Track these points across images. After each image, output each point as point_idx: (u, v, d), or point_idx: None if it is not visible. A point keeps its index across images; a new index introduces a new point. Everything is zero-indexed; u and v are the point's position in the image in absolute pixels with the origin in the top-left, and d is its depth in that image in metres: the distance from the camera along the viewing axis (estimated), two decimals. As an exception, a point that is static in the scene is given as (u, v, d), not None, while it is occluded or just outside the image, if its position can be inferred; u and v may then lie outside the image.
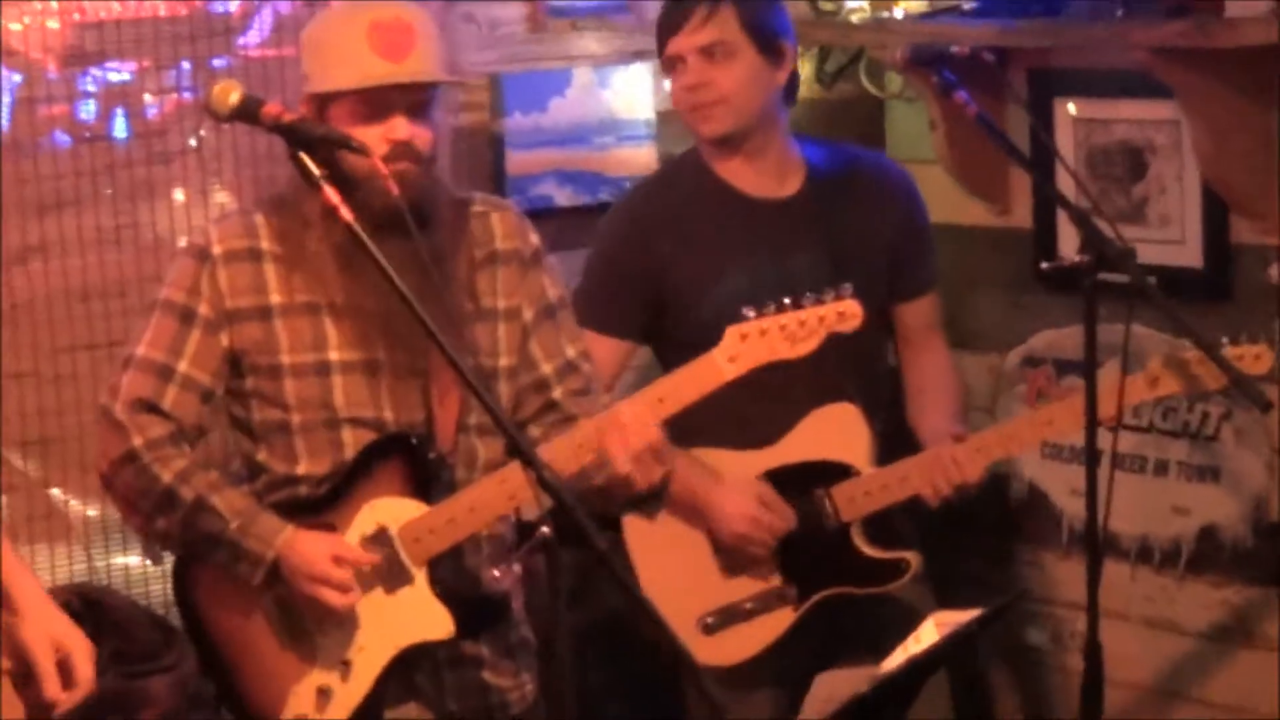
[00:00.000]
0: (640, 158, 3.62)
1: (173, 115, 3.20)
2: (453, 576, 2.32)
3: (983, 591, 2.96)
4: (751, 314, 2.27)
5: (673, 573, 2.82)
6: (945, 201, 3.42)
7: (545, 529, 1.81)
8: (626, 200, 3.12)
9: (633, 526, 2.80)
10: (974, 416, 3.35)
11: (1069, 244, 3.21)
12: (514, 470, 2.23)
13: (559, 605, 2.22)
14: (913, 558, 2.87)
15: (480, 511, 2.29)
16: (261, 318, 2.35)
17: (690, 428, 2.56)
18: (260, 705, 2.34)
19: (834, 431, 2.89)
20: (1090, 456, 2.52)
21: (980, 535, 3.10)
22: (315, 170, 2.00)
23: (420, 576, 2.30)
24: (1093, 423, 2.51)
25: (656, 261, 2.92)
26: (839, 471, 2.87)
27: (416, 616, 2.31)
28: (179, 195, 3.22)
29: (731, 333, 2.27)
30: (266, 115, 2.03)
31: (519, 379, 2.45)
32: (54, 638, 1.92)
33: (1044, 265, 3.07)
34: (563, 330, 2.48)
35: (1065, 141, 3.34)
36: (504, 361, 2.43)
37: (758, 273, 2.87)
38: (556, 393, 2.45)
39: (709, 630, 2.83)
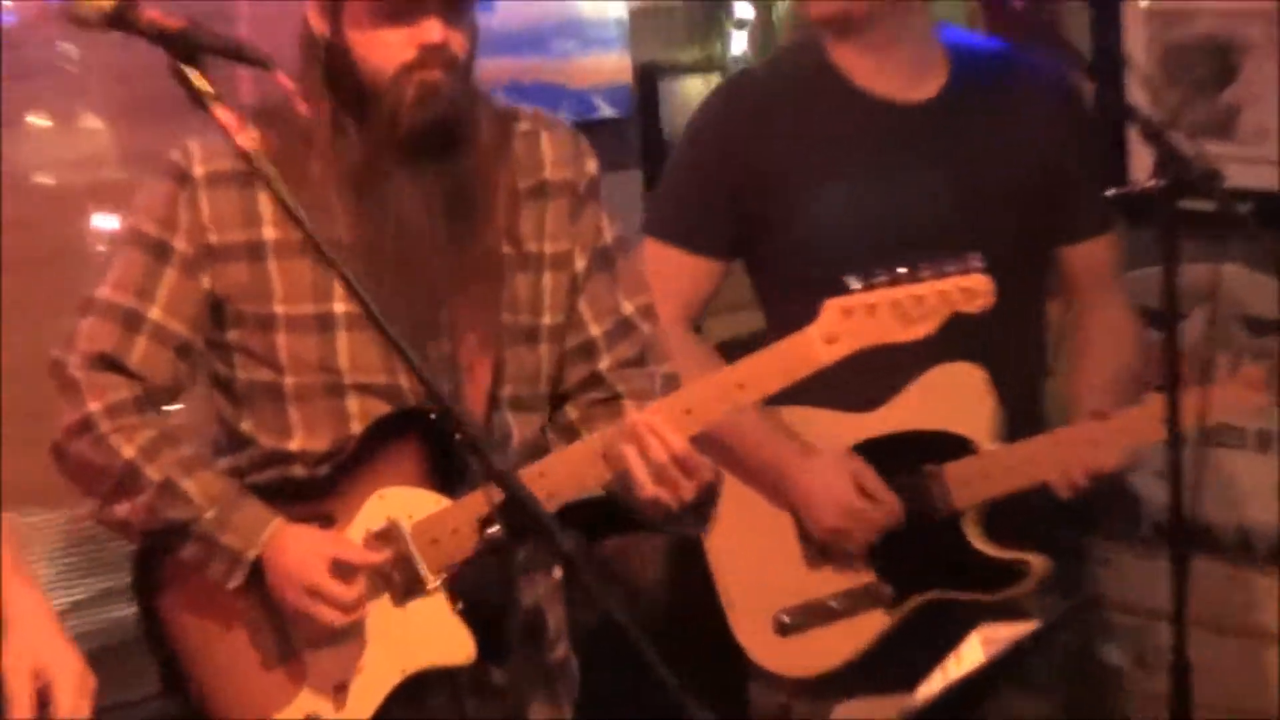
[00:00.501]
0: (609, 66, 3.11)
1: (31, 24, 2.64)
2: (477, 587, 1.88)
3: (1041, 597, 2.44)
4: (858, 285, 1.82)
5: (749, 557, 2.42)
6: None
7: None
8: (723, 91, 2.60)
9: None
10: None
11: (1141, 166, 2.74)
12: (561, 461, 1.88)
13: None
14: (1036, 561, 2.36)
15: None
16: (252, 257, 1.92)
17: None
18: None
19: (952, 397, 2.38)
20: (1174, 431, 2.08)
21: (1040, 524, 2.49)
22: (202, 88, 1.56)
23: (437, 586, 1.87)
24: (1174, 387, 2.06)
25: (756, 164, 2.42)
26: (954, 446, 2.37)
27: (430, 635, 1.88)
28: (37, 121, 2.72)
29: (832, 308, 1.81)
30: (145, 21, 1.60)
31: (565, 342, 2.00)
32: (37, 663, 1.69)
33: (1110, 192, 2.45)
34: (620, 282, 2.05)
35: (1136, 39, 2.90)
36: (548, 320, 2.00)
37: (875, 192, 2.38)
38: (603, 363, 2.02)
39: (784, 630, 2.39)
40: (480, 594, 1.88)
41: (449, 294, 1.88)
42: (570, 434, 2.01)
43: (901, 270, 1.80)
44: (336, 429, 1.93)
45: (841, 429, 2.40)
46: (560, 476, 1.84)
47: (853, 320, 1.80)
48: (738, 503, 2.31)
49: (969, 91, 2.42)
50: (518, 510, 1.62)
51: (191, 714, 1.94)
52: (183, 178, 1.90)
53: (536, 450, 1.97)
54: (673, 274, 2.42)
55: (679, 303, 2.41)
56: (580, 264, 2.01)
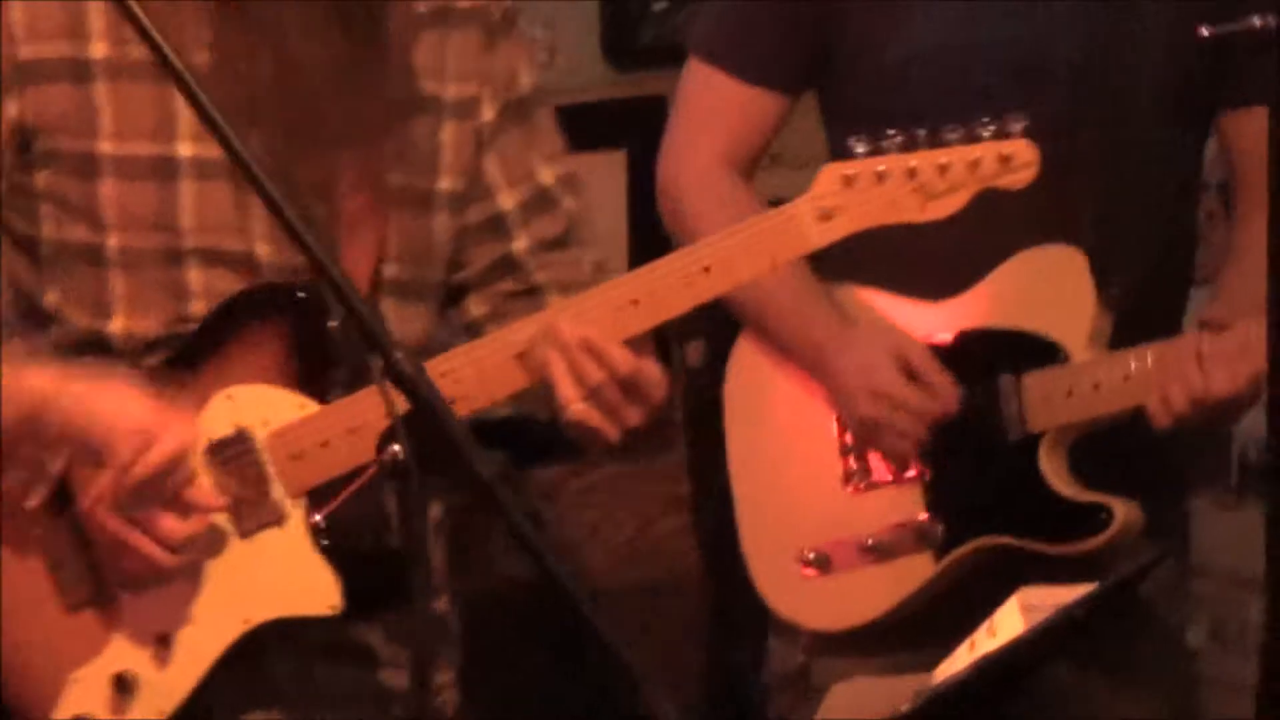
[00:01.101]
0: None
1: None
2: (347, 519, 1.47)
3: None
4: (861, 148, 1.43)
5: (778, 478, 1.97)
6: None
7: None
8: None
9: (734, 398, 1.99)
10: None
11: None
12: (467, 359, 1.48)
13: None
14: (1122, 509, 1.89)
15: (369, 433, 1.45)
16: (75, 78, 1.50)
17: (839, 255, 1.67)
18: (18, 695, 1.48)
19: (1045, 289, 1.93)
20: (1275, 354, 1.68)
21: (1103, 466, 1.99)
22: None
23: (296, 515, 1.47)
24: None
25: None
26: (1040, 351, 1.93)
27: (284, 577, 1.48)
28: None
29: (830, 174, 1.44)
30: None
31: (465, 213, 1.60)
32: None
33: (1204, 31, 1.91)
34: (538, 143, 1.64)
35: None
36: (445, 184, 1.60)
37: (990, 10, 1.91)
38: (519, 243, 1.62)
39: (810, 572, 1.96)
40: (350, 527, 1.47)
41: (334, 143, 1.47)
42: (472, 334, 1.61)
43: (920, 131, 1.42)
44: (171, 306, 1.52)
45: (902, 320, 1.96)
46: (466, 379, 1.44)
47: (855, 191, 1.42)
48: (765, 405, 1.95)
49: None
50: (423, 423, 1.21)
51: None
52: None
53: (423, 354, 1.55)
54: (721, 105, 1.98)
55: (726, 140, 1.97)
56: (489, 112, 1.61)
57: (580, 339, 1.40)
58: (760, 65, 1.97)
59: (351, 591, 1.46)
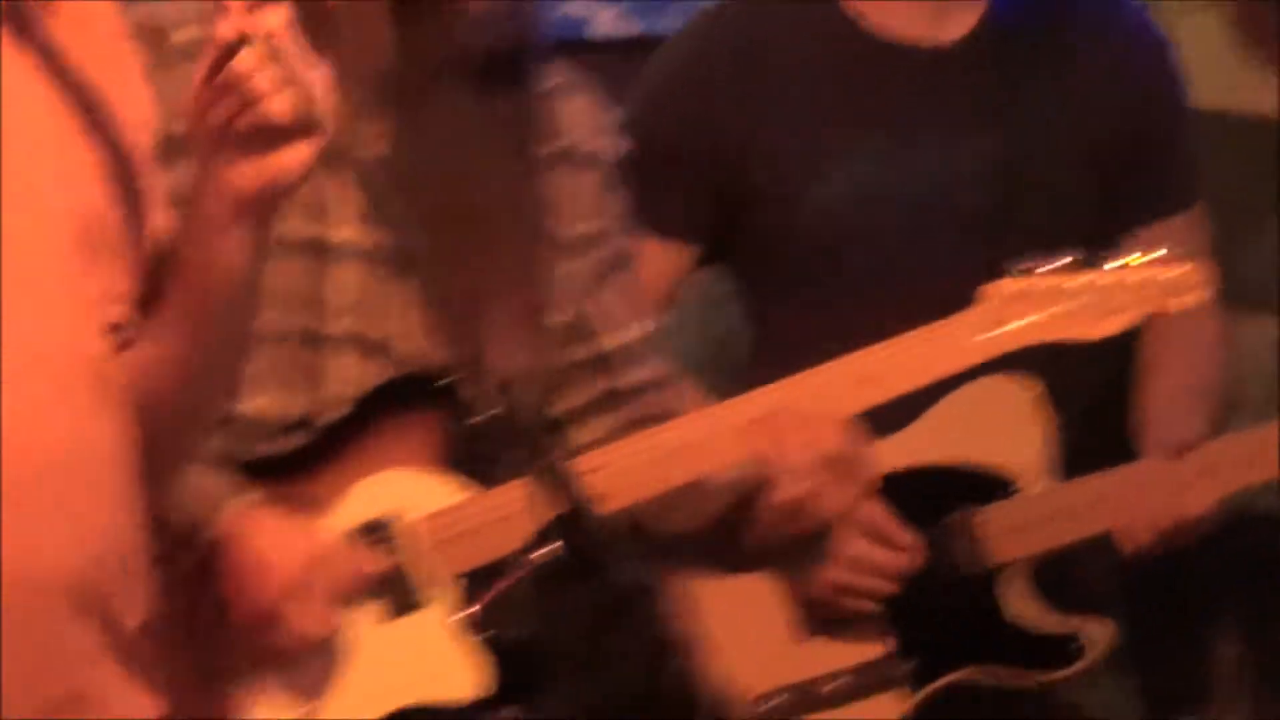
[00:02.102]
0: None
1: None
2: (496, 608, 1.49)
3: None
4: (1031, 266, 1.55)
5: (726, 629, 1.85)
6: (1206, 71, 2.11)
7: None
8: (689, 32, 2.06)
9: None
10: (1242, 419, 2.08)
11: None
12: (607, 454, 1.54)
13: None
14: (1098, 631, 1.91)
15: (523, 520, 1.48)
16: None
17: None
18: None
19: (992, 420, 1.91)
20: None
21: (1073, 584, 2.00)
22: None
23: (443, 600, 1.48)
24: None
25: (734, 127, 1.94)
26: (991, 486, 1.93)
27: (430, 661, 1.49)
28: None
29: (1001, 290, 1.55)
30: None
31: (571, 349, 1.65)
32: None
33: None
34: (631, 288, 1.71)
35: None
36: (557, 317, 1.63)
37: (898, 158, 1.92)
38: (622, 380, 1.66)
39: (785, 711, 1.90)
40: (500, 614, 1.49)
41: (485, 257, 1.52)
42: None
43: (1071, 256, 1.55)
44: (310, 388, 1.51)
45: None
46: (615, 477, 1.48)
47: (1026, 305, 1.53)
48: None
49: (1011, 29, 1.96)
50: (576, 524, 1.28)
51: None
52: (156, 39, 1.47)
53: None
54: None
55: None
56: (599, 255, 1.66)
57: (816, 404, 1.46)
58: (663, 214, 1.92)
59: (503, 674, 1.47)
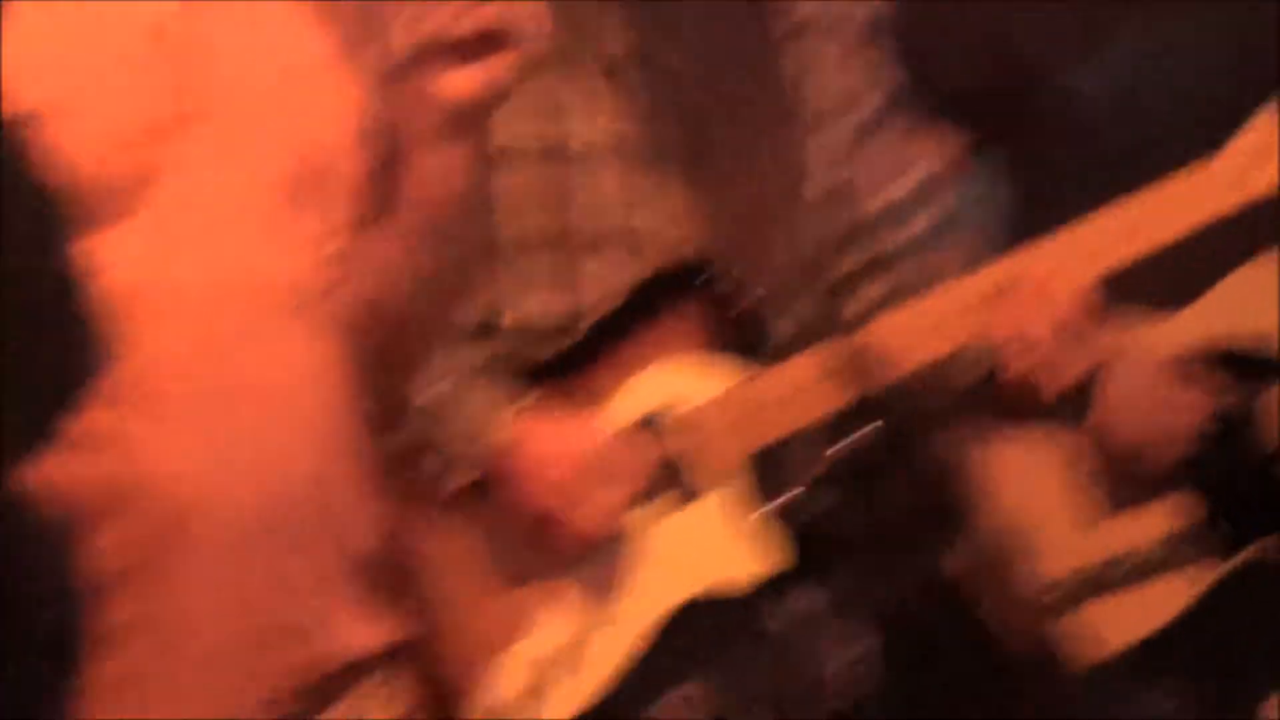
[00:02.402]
0: None
1: None
2: (772, 489, 1.50)
3: None
4: None
5: (1032, 500, 1.86)
6: None
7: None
8: None
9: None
10: None
11: None
12: (892, 327, 1.51)
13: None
14: None
15: (801, 405, 1.49)
16: None
17: None
18: (448, 675, 1.50)
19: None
20: None
21: None
22: None
23: (722, 488, 1.48)
24: None
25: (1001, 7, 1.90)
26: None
27: (713, 549, 1.50)
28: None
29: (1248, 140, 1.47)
30: None
31: (834, 217, 1.63)
32: None
33: None
34: (891, 148, 1.68)
35: None
36: (817, 188, 1.62)
37: (1161, 39, 1.86)
38: (888, 242, 1.63)
39: (1074, 596, 1.85)
40: (778, 499, 1.50)
41: (742, 133, 1.51)
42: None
43: None
44: (573, 290, 1.53)
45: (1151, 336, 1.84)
46: (895, 344, 1.46)
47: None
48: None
49: None
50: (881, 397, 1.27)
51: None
52: None
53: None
54: None
55: None
56: (850, 122, 1.64)
57: (1049, 270, 1.43)
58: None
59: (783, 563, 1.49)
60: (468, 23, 1.17)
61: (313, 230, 1.29)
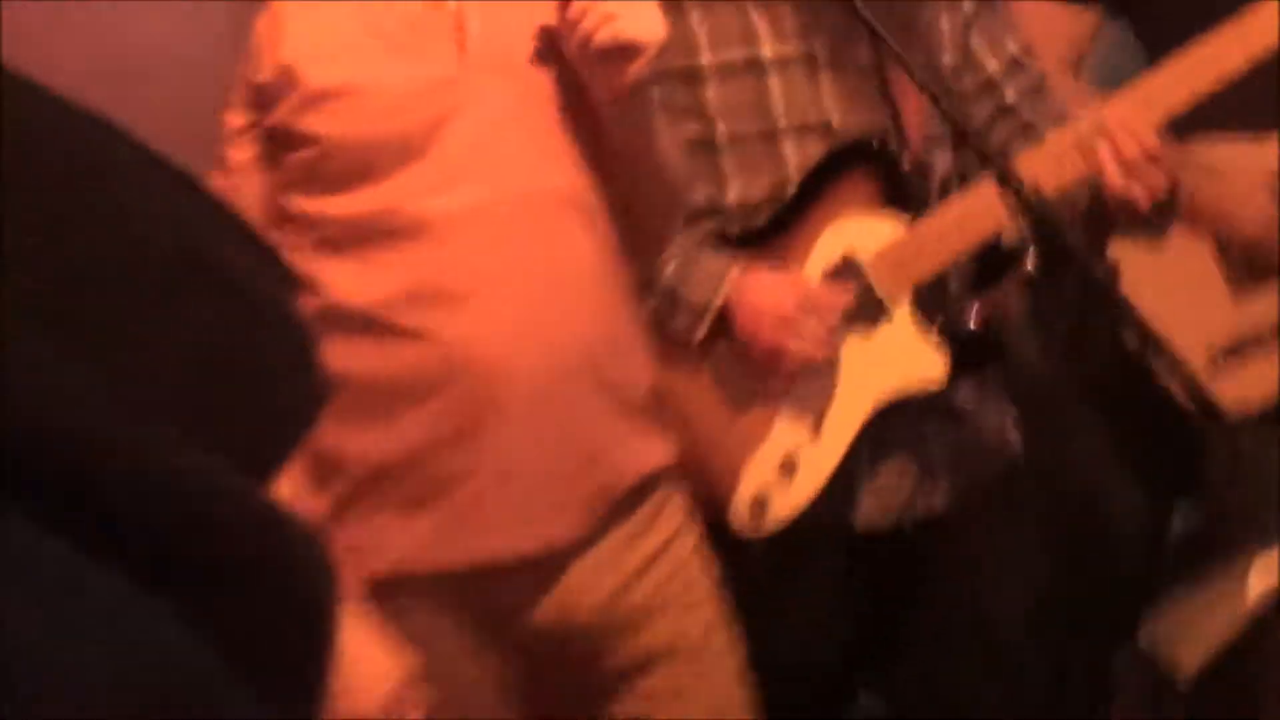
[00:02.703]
0: None
1: None
2: (938, 311, 1.88)
3: None
4: None
5: (1175, 302, 2.11)
6: None
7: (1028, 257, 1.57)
8: None
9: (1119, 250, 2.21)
10: None
11: None
12: (1029, 159, 1.85)
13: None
14: None
15: (963, 233, 1.86)
16: (672, 13, 1.88)
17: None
18: (707, 484, 1.91)
19: None
20: None
21: None
22: None
23: (902, 312, 1.87)
24: None
25: None
26: None
27: (899, 360, 1.90)
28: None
29: None
30: None
31: (962, 80, 2.00)
32: None
33: None
34: (1001, 18, 2.04)
35: None
36: (945, 59, 1.99)
37: None
38: (1009, 95, 1.99)
39: (1222, 366, 2.17)
40: (944, 317, 1.88)
41: (891, 30, 1.86)
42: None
43: None
44: (773, 174, 1.92)
45: (1259, 156, 2.11)
46: (1037, 172, 1.81)
47: None
48: (1152, 249, 2.17)
49: None
50: (1039, 224, 1.62)
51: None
52: None
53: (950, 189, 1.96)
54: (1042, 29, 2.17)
55: (1054, 58, 2.17)
56: (969, 4, 2.00)
57: (1120, 118, 1.78)
58: None
59: (951, 362, 1.87)
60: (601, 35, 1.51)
61: (575, 147, 1.68)
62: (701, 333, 1.88)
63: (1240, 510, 2.15)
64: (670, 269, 1.86)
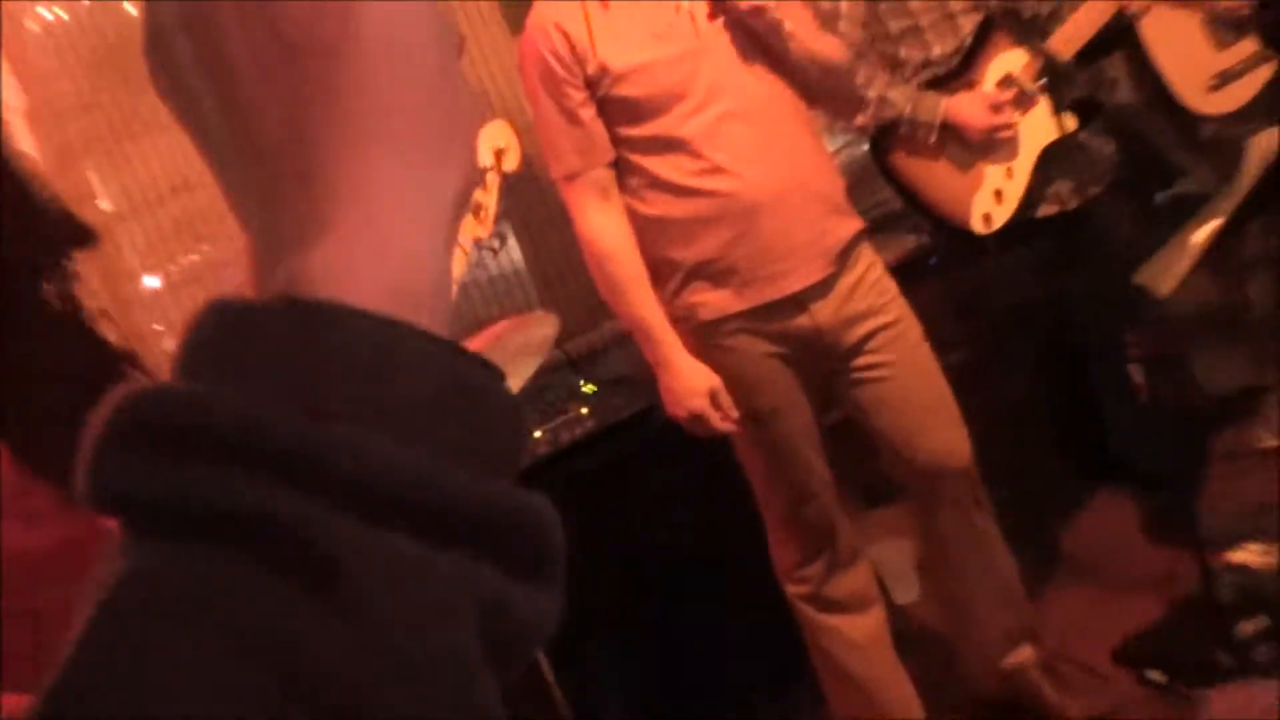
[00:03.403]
0: None
1: None
2: (1064, 89, 3.45)
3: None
4: None
5: (1176, 55, 3.66)
6: None
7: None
8: None
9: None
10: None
11: None
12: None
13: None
14: None
15: (1075, 38, 3.39)
16: None
17: None
18: (953, 214, 3.50)
19: None
20: None
21: None
22: None
23: (1042, 97, 3.43)
24: None
25: None
26: None
27: (1046, 123, 3.44)
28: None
29: None
30: None
31: None
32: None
33: None
34: None
35: None
36: None
37: None
38: None
39: (1209, 95, 3.68)
40: (1069, 92, 3.45)
41: None
42: None
43: None
44: (955, 37, 3.47)
45: None
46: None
47: None
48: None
49: None
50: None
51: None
52: None
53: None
54: None
55: None
56: None
57: None
58: None
59: (1079, 116, 3.45)
60: None
61: (769, 73, 3.20)
62: (934, 137, 3.44)
63: (1204, 183, 3.50)
64: (904, 105, 3.41)
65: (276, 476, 0.45)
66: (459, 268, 2.73)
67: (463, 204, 0.53)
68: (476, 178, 0.55)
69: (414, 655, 0.45)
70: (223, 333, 0.49)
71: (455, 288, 1.96)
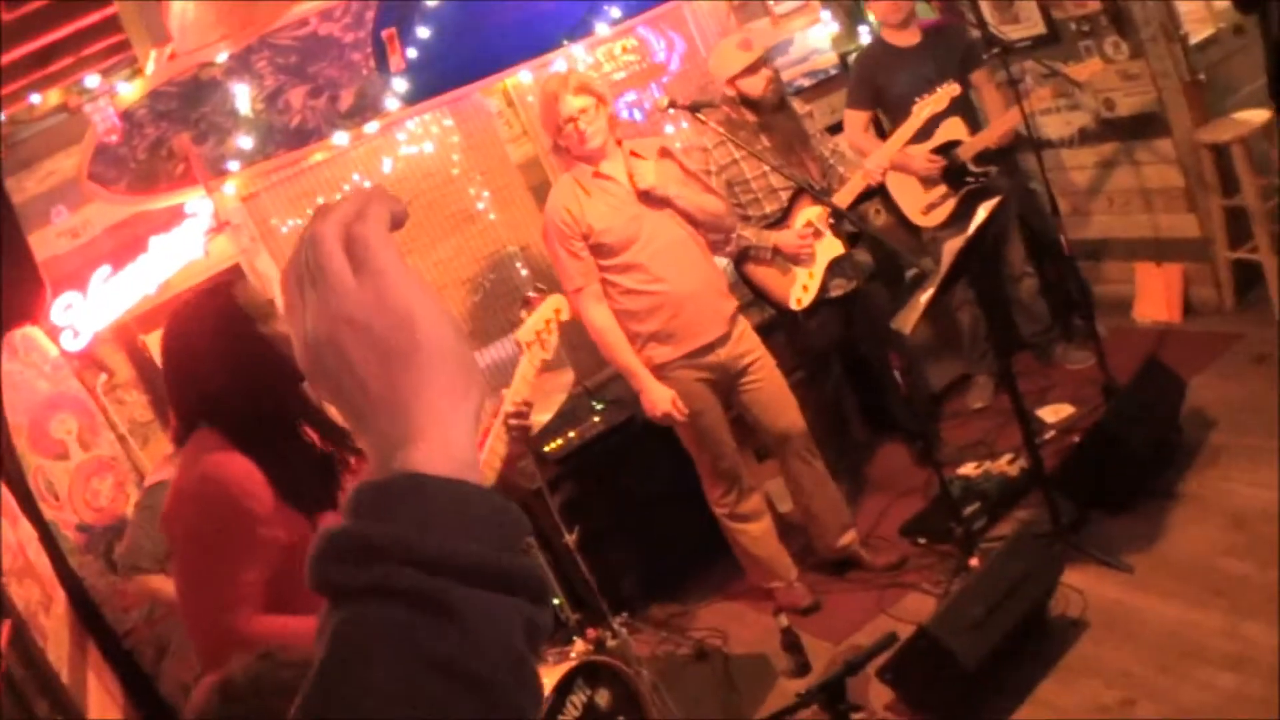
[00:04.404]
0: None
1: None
2: (841, 225, 6.22)
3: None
4: None
5: (904, 194, 6.70)
6: None
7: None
8: None
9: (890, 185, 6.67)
10: None
11: None
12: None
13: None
14: None
15: (848, 194, 6.16)
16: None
17: None
18: (781, 299, 6.26)
19: None
20: None
21: None
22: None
23: (828, 231, 6.18)
24: None
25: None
26: None
27: (832, 245, 6.03)
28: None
29: None
30: None
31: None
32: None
33: None
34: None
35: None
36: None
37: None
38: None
39: (923, 217, 6.69)
40: (851, 228, 6.28)
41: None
42: None
43: None
44: (777, 204, 6.20)
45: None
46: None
47: None
48: None
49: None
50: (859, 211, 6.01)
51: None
52: None
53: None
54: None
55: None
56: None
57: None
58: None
59: (850, 242, 6.28)
60: None
61: (685, 220, 6.02)
62: (769, 255, 6.15)
63: (926, 267, 6.44)
64: (752, 239, 6.13)
65: (415, 568, 0.80)
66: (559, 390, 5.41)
67: (479, 415, 0.88)
68: (484, 400, 0.91)
69: (503, 653, 0.80)
70: (374, 494, 0.84)
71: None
